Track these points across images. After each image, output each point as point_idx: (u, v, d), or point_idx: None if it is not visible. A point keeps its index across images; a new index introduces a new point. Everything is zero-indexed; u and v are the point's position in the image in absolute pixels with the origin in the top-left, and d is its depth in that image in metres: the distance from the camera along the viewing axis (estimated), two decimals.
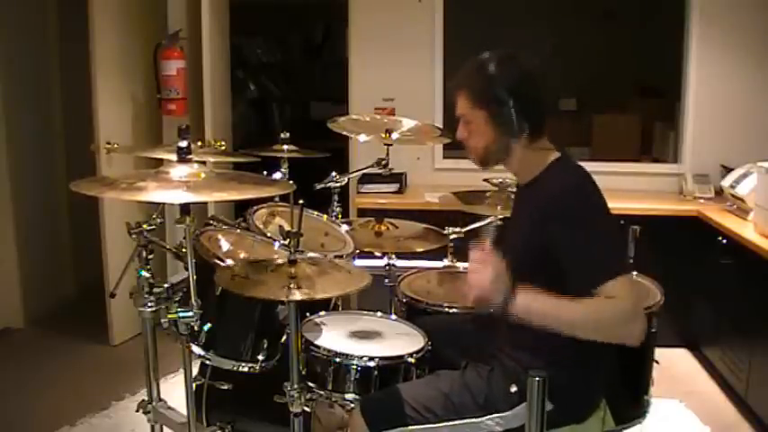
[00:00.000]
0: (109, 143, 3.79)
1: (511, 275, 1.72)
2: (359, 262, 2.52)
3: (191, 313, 1.90)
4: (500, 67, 1.80)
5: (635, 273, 2.44)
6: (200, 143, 3.19)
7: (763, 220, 3.20)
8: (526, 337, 1.76)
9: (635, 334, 1.64)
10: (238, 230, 2.39)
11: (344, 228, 2.64)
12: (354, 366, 1.97)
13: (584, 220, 1.71)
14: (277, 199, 2.50)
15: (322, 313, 2.29)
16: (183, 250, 1.99)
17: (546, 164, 1.83)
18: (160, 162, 2.21)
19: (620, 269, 1.66)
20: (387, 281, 2.61)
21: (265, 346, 2.08)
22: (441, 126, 3.99)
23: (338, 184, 2.72)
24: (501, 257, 1.76)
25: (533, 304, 1.68)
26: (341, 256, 2.39)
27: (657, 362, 2.33)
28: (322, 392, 1.99)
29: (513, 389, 1.80)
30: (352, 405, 1.94)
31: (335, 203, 2.73)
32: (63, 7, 4.43)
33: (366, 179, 4.05)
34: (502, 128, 1.81)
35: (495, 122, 1.81)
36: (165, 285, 2.07)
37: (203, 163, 2.13)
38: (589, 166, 1.85)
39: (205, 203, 3.75)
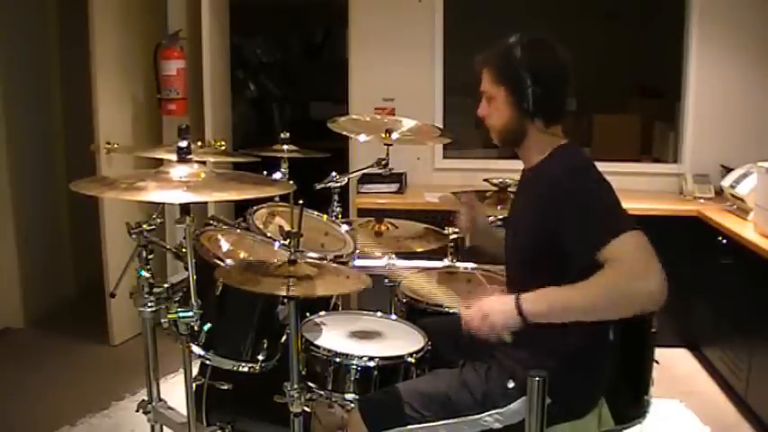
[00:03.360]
0: (109, 143, 3.79)
1: (508, 261, 1.72)
2: (359, 262, 2.51)
3: (191, 313, 1.90)
4: (527, 49, 1.80)
5: None
6: (200, 143, 3.19)
7: (763, 220, 3.20)
8: (523, 334, 1.76)
9: (653, 291, 1.56)
10: (238, 230, 2.39)
11: (344, 228, 2.63)
12: (354, 366, 1.97)
13: (583, 195, 1.71)
14: (277, 199, 2.50)
15: (322, 313, 2.29)
16: (183, 250, 1.99)
17: (551, 149, 1.85)
18: (160, 162, 2.21)
19: (621, 227, 1.62)
20: (387, 281, 2.61)
21: (265, 346, 2.08)
22: (441, 126, 4.00)
23: (338, 184, 2.72)
24: (505, 242, 1.75)
25: (541, 304, 1.66)
26: (341, 256, 2.39)
27: (657, 362, 2.33)
28: (322, 392, 1.99)
29: (511, 384, 1.81)
30: (352, 405, 1.94)
31: (335, 203, 2.73)
32: (63, 7, 4.43)
33: (366, 179, 4.04)
34: (519, 107, 1.82)
35: (513, 101, 1.82)
36: (165, 285, 2.07)
37: (203, 163, 2.13)
38: None
39: (205, 203, 3.75)
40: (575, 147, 1.88)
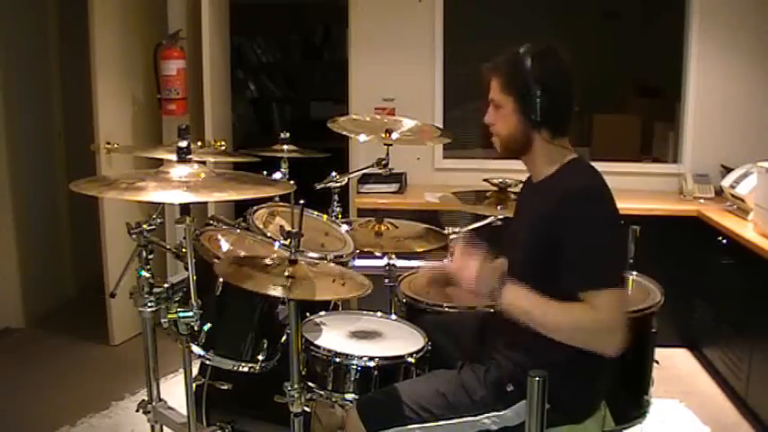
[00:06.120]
0: (109, 143, 3.79)
1: (509, 270, 1.73)
2: (359, 262, 2.51)
3: (191, 313, 1.90)
4: (537, 58, 1.79)
5: (635, 273, 2.45)
6: (200, 143, 3.19)
7: (763, 220, 3.20)
8: (523, 337, 1.76)
9: (611, 346, 1.67)
10: (238, 230, 2.39)
11: (344, 228, 2.64)
12: (354, 366, 1.97)
13: (594, 224, 1.72)
14: (277, 199, 2.50)
15: (322, 313, 2.29)
16: (183, 250, 1.99)
17: (562, 162, 1.85)
18: (160, 162, 2.21)
19: (611, 282, 1.68)
20: (387, 281, 2.61)
21: (265, 346, 2.07)
22: (441, 126, 4.00)
23: (338, 184, 2.72)
24: (504, 253, 1.76)
25: (519, 301, 1.74)
26: (341, 256, 2.39)
27: (657, 362, 2.33)
28: (322, 392, 1.99)
29: (510, 388, 1.81)
30: (352, 405, 1.94)
31: (335, 203, 2.73)
32: (63, 7, 4.44)
33: (366, 179, 4.05)
34: (526, 117, 1.81)
35: (521, 111, 1.81)
36: (165, 285, 2.07)
37: (203, 163, 2.13)
38: None
39: (205, 203, 3.75)
40: (585, 163, 1.87)
